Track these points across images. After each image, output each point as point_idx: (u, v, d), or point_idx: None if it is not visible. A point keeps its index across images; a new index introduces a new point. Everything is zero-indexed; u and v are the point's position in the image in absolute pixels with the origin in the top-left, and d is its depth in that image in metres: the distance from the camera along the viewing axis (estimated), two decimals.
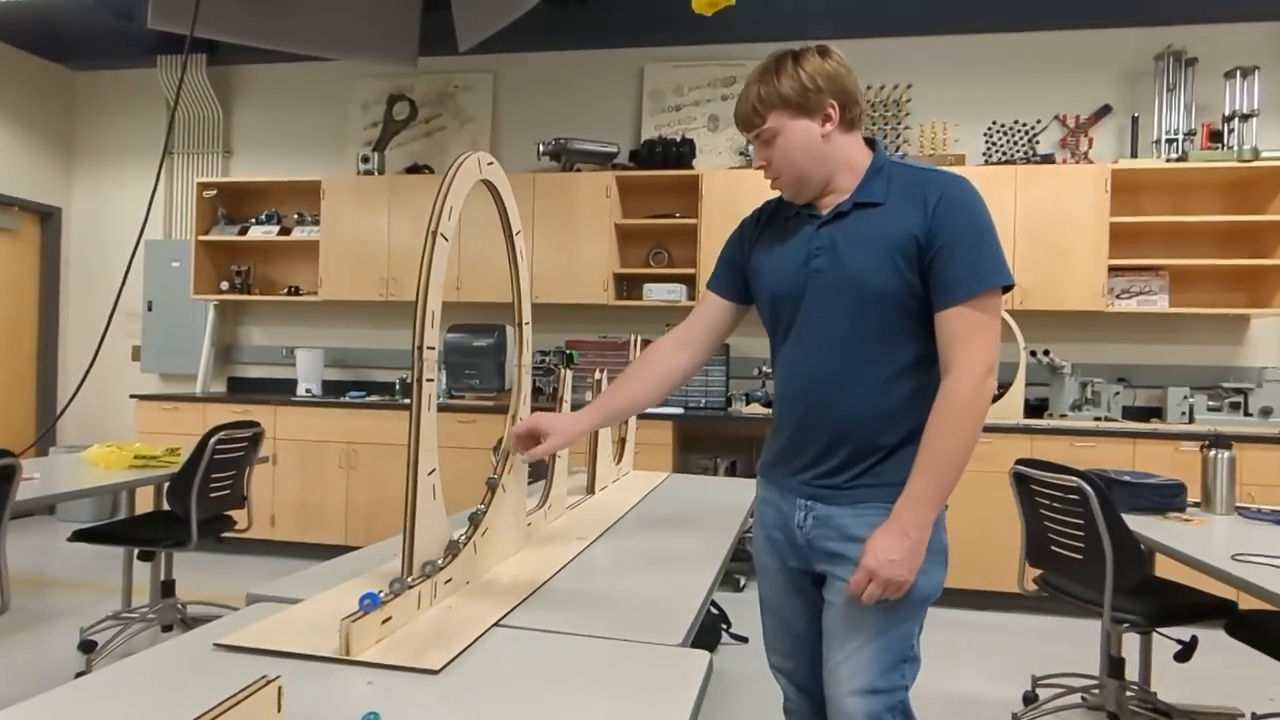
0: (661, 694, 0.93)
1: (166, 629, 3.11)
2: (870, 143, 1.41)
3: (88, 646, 2.93)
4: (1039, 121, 4.42)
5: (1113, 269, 4.07)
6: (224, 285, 5.10)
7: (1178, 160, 4.07)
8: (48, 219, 5.54)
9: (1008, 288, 1.31)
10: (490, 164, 1.42)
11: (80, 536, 2.79)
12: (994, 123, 4.44)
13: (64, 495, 2.36)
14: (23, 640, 3.08)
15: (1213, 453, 2.38)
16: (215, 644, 1.01)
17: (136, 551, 3.05)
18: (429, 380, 1.21)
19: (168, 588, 3.10)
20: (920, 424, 1.30)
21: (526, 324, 1.64)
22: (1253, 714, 2.56)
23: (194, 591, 3.61)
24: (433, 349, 1.23)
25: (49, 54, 5.38)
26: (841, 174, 1.37)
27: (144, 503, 3.43)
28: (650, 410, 4.18)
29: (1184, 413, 4.05)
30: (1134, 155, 4.22)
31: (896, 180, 1.34)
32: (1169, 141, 4.15)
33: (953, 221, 1.28)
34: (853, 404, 1.35)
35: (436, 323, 1.23)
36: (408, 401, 4.44)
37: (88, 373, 2.12)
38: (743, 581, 4.07)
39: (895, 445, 1.34)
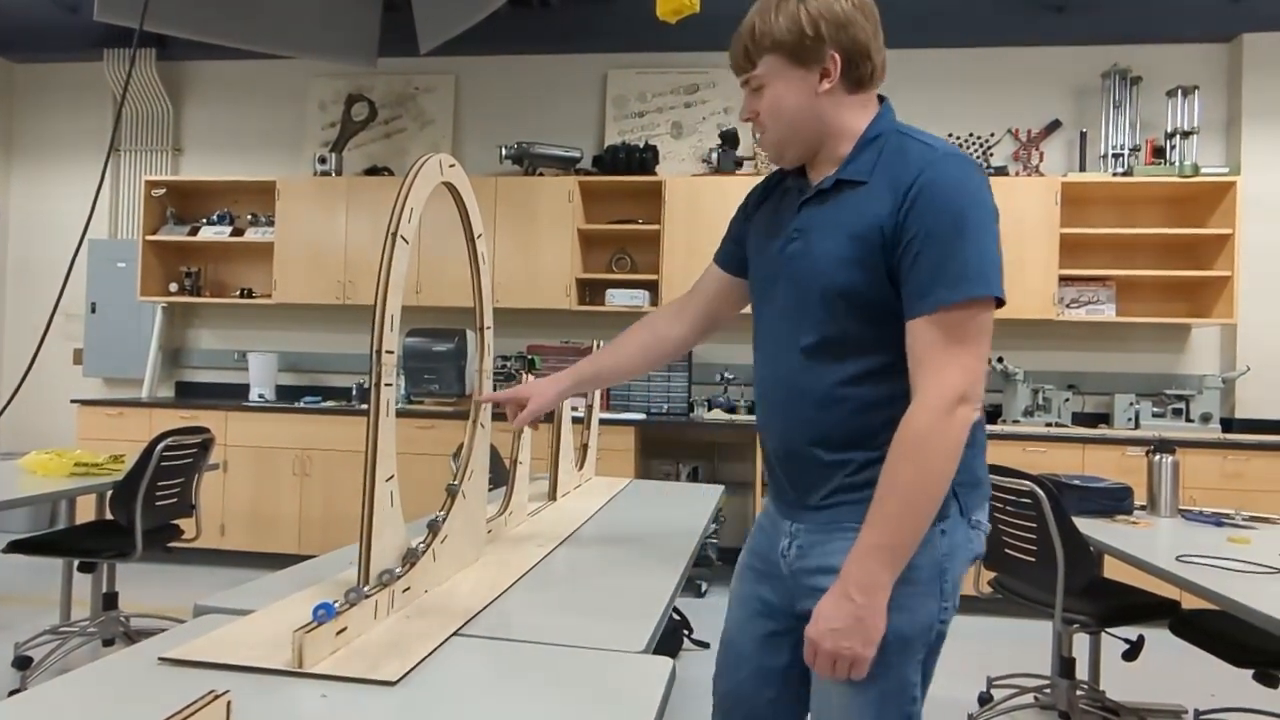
0: (624, 702, 0.91)
1: (108, 643, 2.99)
2: (882, 101, 1.20)
3: (23, 663, 2.80)
4: (993, 134, 4.54)
5: (1063, 279, 4.19)
6: (173, 287, 4.95)
7: (1123, 175, 4.22)
8: None
9: (998, 301, 1.07)
10: (452, 166, 1.40)
11: (16, 547, 2.67)
12: (950, 134, 4.54)
13: (2, 504, 2.25)
14: None
15: (1158, 457, 2.45)
16: (160, 658, 0.97)
17: (77, 563, 2.93)
18: (388, 385, 1.19)
19: (110, 600, 2.99)
20: (893, 429, 1.10)
21: (488, 329, 1.62)
22: (1195, 710, 2.65)
23: (139, 604, 3.48)
24: (391, 353, 1.20)
25: None
26: (835, 141, 1.16)
27: (85, 512, 3.30)
28: (612, 416, 4.19)
29: (1130, 419, 4.18)
30: (1083, 169, 4.36)
31: (887, 154, 1.11)
32: (1115, 156, 4.29)
33: (926, 212, 1.05)
34: (813, 410, 1.17)
35: (396, 326, 1.20)
36: (364, 407, 4.36)
37: (25, 376, 2.03)
38: (704, 587, 4.08)
39: (872, 456, 1.12)
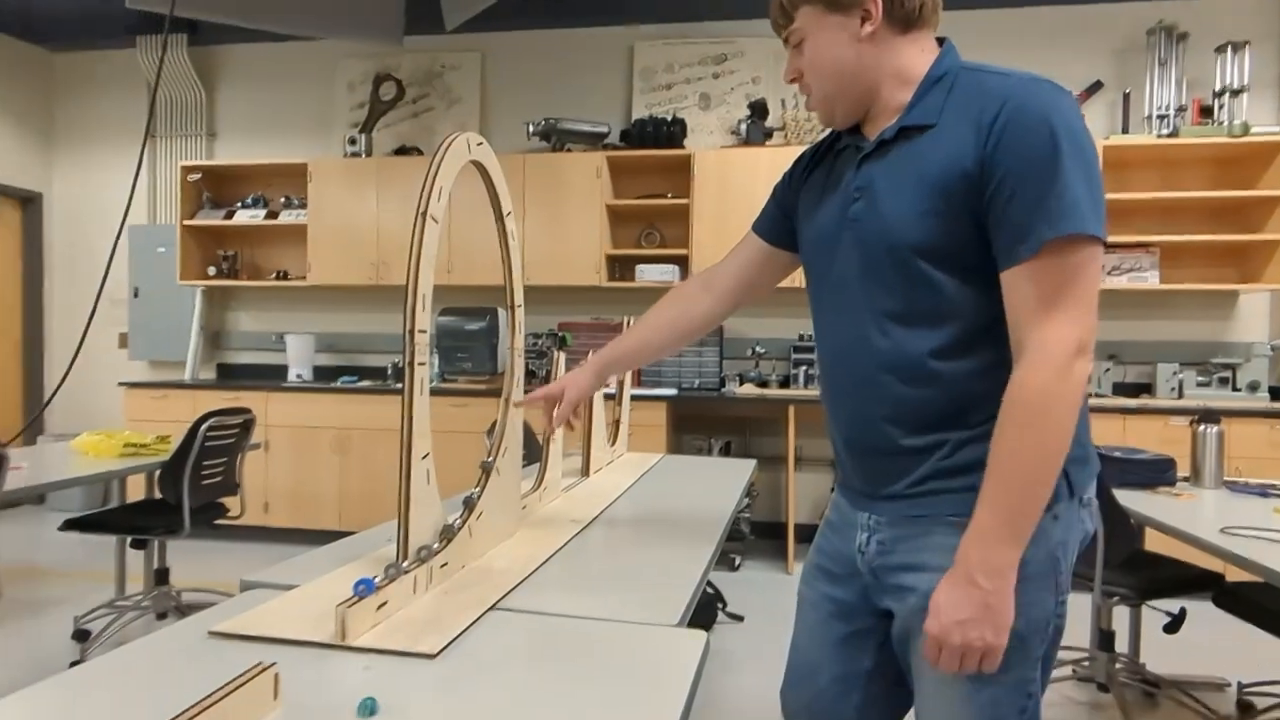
0: (659, 675, 0.93)
1: (161, 616, 3.11)
2: (941, 44, 1.09)
3: (82, 635, 2.92)
4: None
5: (1106, 246, 4.07)
6: (211, 270, 5.05)
7: (1169, 136, 4.07)
8: (29, 204, 5.46)
9: (1099, 240, 0.93)
10: (480, 144, 1.40)
11: (71, 525, 2.78)
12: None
13: (53, 484, 2.34)
14: (16, 630, 3.07)
15: (1202, 428, 2.39)
16: (210, 631, 1.00)
17: (129, 540, 3.03)
18: (421, 364, 1.20)
19: (162, 575, 3.09)
20: (996, 402, 0.97)
21: (519, 306, 1.62)
22: (1239, 683, 2.60)
23: (189, 579, 3.61)
24: (424, 332, 1.21)
25: (26, 35, 5.27)
26: (890, 88, 1.06)
27: (135, 491, 3.41)
28: (643, 392, 4.20)
29: (1173, 388, 4.08)
30: (1125, 131, 4.22)
31: (958, 92, 1.00)
32: (1160, 117, 4.14)
33: (1017, 145, 0.93)
34: (898, 388, 1.04)
35: (428, 306, 1.21)
36: (400, 386, 4.42)
37: (73, 361, 2.09)
38: (738, 561, 4.10)
39: (969, 436, 1.01)
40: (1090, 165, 0.94)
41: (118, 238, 2.14)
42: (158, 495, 2.90)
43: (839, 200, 1.11)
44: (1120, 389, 4.25)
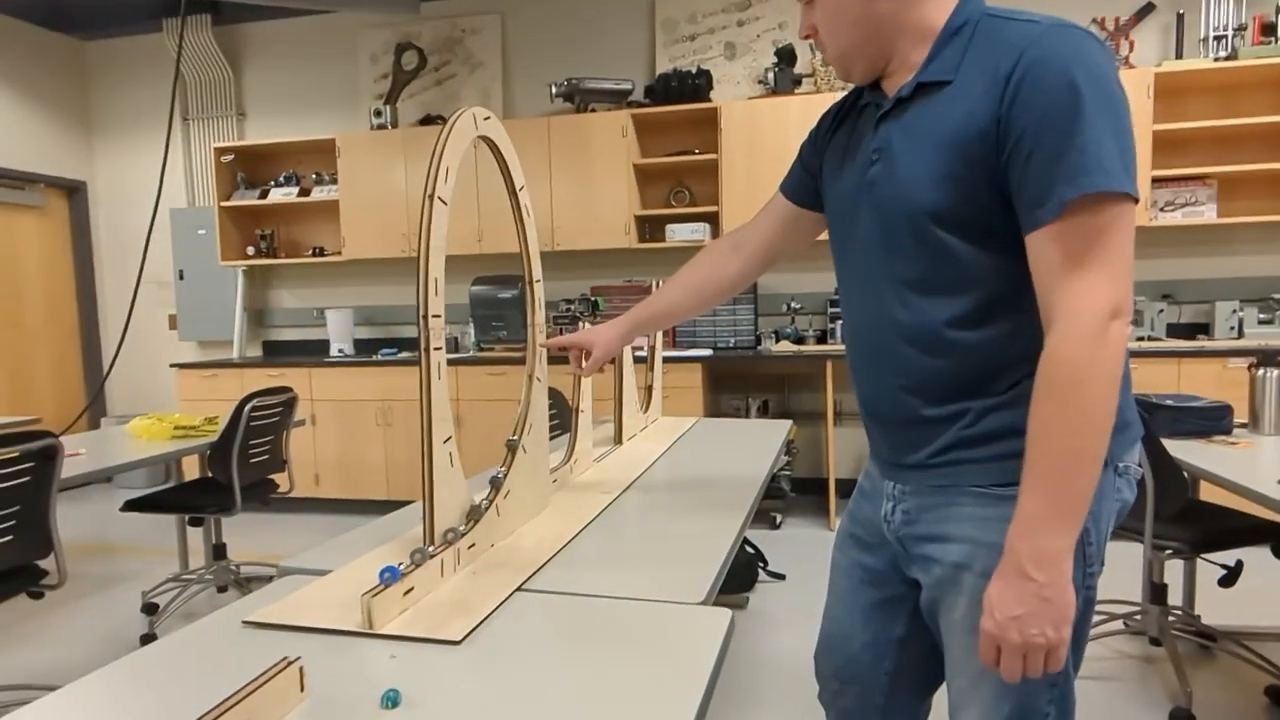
0: (683, 655, 0.92)
1: (222, 589, 3.24)
2: None
3: (150, 609, 3.07)
4: None
5: (1156, 180, 3.88)
6: (250, 250, 5.14)
7: (1226, 59, 3.82)
8: (74, 193, 5.61)
9: (1130, 197, 0.86)
10: (486, 119, 1.37)
11: (131, 506, 2.89)
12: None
13: (109, 470, 2.43)
14: (90, 605, 3.24)
15: (1260, 371, 2.28)
16: (244, 621, 1.03)
17: (187, 517, 3.16)
18: (437, 349, 1.20)
19: (219, 550, 3.22)
20: (1023, 367, 0.93)
21: (538, 282, 1.61)
22: None
23: (247, 551, 3.76)
24: (439, 316, 1.21)
25: (57, 25, 5.35)
26: (908, 42, 0.99)
27: (192, 469, 3.54)
28: (678, 354, 4.18)
29: (1233, 327, 3.90)
30: (1179, 56, 3.97)
31: (978, 44, 0.93)
32: (1217, 39, 3.88)
33: (1036, 98, 0.86)
34: (917, 356, 1.01)
35: (440, 290, 1.20)
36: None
37: (120, 346, 2.16)
38: (779, 519, 4.10)
39: (993, 404, 0.98)
40: (1119, 116, 0.86)
41: (152, 222, 2.18)
42: (210, 474, 3.00)
43: (859, 162, 1.07)
44: (1175, 330, 4.08)
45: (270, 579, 1.14)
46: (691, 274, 1.44)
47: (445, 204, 1.22)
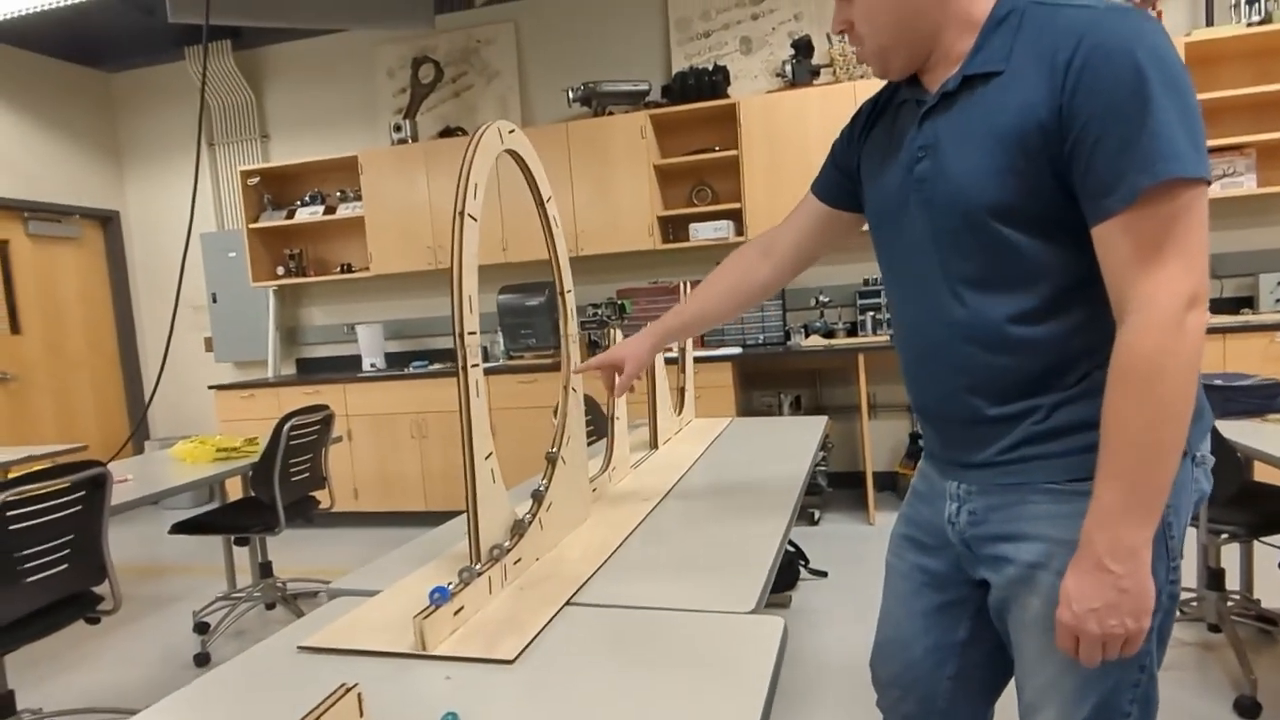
0: (739, 666, 0.91)
1: (270, 607, 3.29)
2: None
3: (202, 628, 3.12)
4: None
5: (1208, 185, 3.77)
6: (280, 270, 5.21)
7: (1261, 23, 3.71)
8: (108, 223, 5.74)
9: (1204, 181, 0.83)
10: (511, 132, 1.37)
11: (179, 528, 2.95)
12: None
13: (155, 495, 2.48)
14: (143, 627, 3.31)
15: None
16: (299, 647, 1.04)
17: (233, 537, 3.21)
18: (474, 366, 1.20)
19: (266, 569, 3.27)
20: (1093, 358, 0.92)
21: (569, 292, 1.60)
22: None
23: (292, 568, 3.81)
24: (475, 334, 1.21)
25: (83, 59, 5.48)
26: (952, 33, 0.97)
27: (235, 489, 3.60)
28: (707, 353, 4.16)
29: (1279, 299, 3.78)
30: (1210, 23, 3.86)
31: (1028, 31, 0.90)
32: (1250, 3, 3.77)
33: (1099, 86, 0.83)
34: (981, 355, 0.98)
35: (475, 307, 1.21)
36: None
37: (161, 371, 2.20)
38: (818, 515, 4.06)
39: (1064, 398, 0.96)
40: (1186, 99, 0.84)
41: (186, 248, 2.22)
42: (253, 494, 3.05)
43: (903, 160, 1.04)
44: (1219, 306, 3.97)
45: (316, 594, 1.15)
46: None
47: (475, 220, 1.22)
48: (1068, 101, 0.86)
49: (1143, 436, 0.85)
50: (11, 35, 4.93)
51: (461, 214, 1.19)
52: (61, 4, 3.70)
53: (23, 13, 3.74)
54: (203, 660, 2.89)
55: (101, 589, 2.24)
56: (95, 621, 2.25)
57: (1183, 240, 0.83)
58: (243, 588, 3.33)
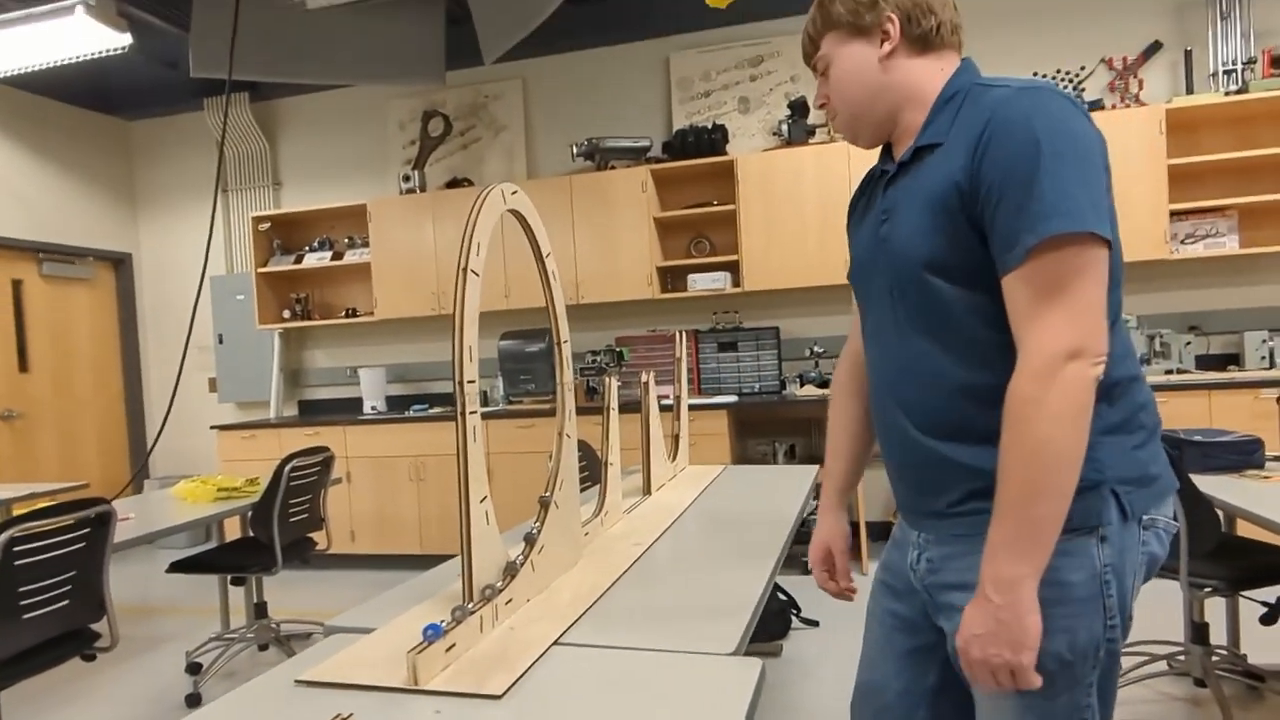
0: (715, 707, 0.96)
1: (263, 648, 3.29)
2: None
3: (194, 668, 3.12)
4: (1083, 68, 4.24)
5: (1174, 214, 3.90)
6: (286, 313, 5.31)
7: (1238, 93, 3.86)
8: (120, 265, 5.86)
9: (1097, 238, 0.91)
10: (514, 193, 1.46)
11: (177, 567, 2.97)
12: (1035, 73, 4.28)
13: (157, 533, 2.52)
14: (135, 666, 3.31)
15: None
16: (296, 680, 1.08)
17: (229, 577, 3.23)
18: (472, 413, 1.26)
19: (260, 609, 3.28)
20: None
21: (565, 342, 1.68)
22: None
23: (286, 609, 3.81)
24: (474, 382, 1.28)
25: (105, 108, 5.67)
26: (911, 110, 1.09)
27: (233, 529, 3.63)
28: (703, 401, 4.23)
29: (1264, 357, 3.86)
30: (1189, 92, 4.02)
31: (966, 110, 1.02)
32: (1227, 73, 3.94)
33: (999, 154, 0.94)
34: (934, 401, 1.06)
35: (474, 357, 1.28)
36: None
37: (169, 410, 2.26)
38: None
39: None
40: (1084, 161, 0.93)
41: (199, 290, 2.30)
42: (252, 534, 3.08)
43: (872, 223, 1.16)
44: (1205, 362, 4.04)
45: (309, 635, 1.19)
46: (844, 412, 1.39)
47: (478, 275, 1.29)
48: (976, 168, 0.96)
49: (1019, 477, 0.92)
50: (37, 84, 5.12)
51: (464, 270, 1.27)
52: (87, 58, 3.87)
53: (50, 65, 3.91)
54: (194, 701, 2.89)
55: (99, 626, 2.26)
56: (91, 659, 2.27)
57: (1067, 294, 0.91)
58: (236, 628, 3.33)
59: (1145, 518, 1.03)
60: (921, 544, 1.14)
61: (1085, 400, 0.91)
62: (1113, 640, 1.00)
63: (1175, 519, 1.09)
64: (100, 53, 3.82)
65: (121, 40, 3.68)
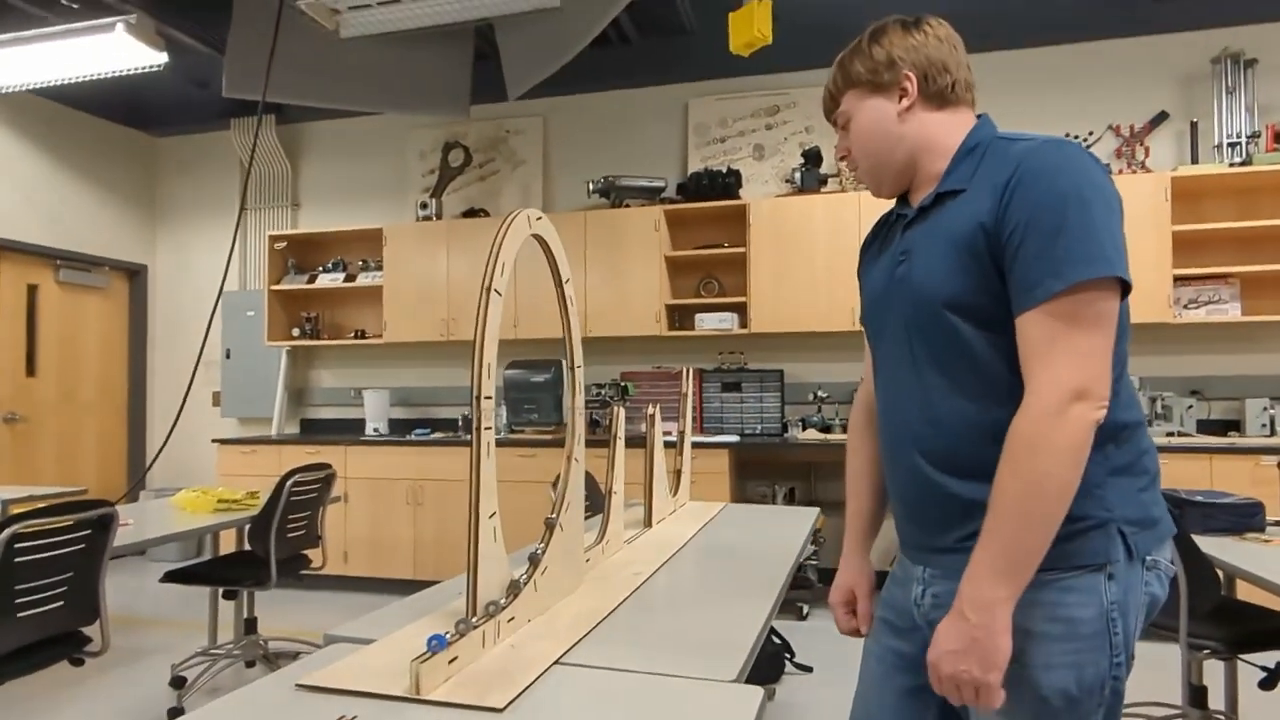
0: None
1: (250, 664, 3.26)
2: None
3: (178, 682, 3.08)
4: (1091, 133, 4.34)
5: (1178, 279, 3.95)
6: (295, 331, 5.35)
7: (1241, 164, 3.95)
8: (135, 276, 5.93)
9: (1121, 283, 0.97)
10: (539, 219, 1.50)
11: (171, 577, 2.96)
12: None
13: (155, 540, 2.52)
14: (118, 678, 3.27)
15: None
16: (297, 684, 1.09)
17: (221, 590, 3.21)
18: (487, 428, 1.29)
19: (250, 625, 3.25)
20: None
21: (579, 368, 1.71)
22: None
23: (275, 628, 3.77)
24: (490, 398, 1.30)
25: (133, 123, 5.79)
26: (928, 158, 1.15)
27: (227, 544, 3.61)
28: (705, 439, 4.24)
29: (1264, 425, 3.88)
30: (1194, 161, 4.11)
31: (988, 160, 1.07)
32: (1231, 145, 4.02)
33: (1026, 200, 0.99)
34: (942, 438, 1.09)
35: (493, 374, 1.30)
36: (469, 438, 4.57)
37: (176, 420, 2.28)
38: (806, 610, 4.03)
39: None
40: (1109, 211, 0.99)
41: (216, 305, 2.34)
42: (247, 548, 3.07)
43: (888, 263, 1.20)
44: (1205, 426, 4.06)
45: (297, 655, 1.19)
46: (861, 454, 1.41)
47: (500, 295, 1.33)
48: (1003, 212, 1.02)
49: (1014, 506, 0.96)
50: (69, 96, 5.25)
51: (489, 290, 1.30)
52: (122, 74, 3.98)
53: (86, 79, 4.01)
54: (176, 714, 2.85)
55: (91, 630, 2.25)
56: (79, 663, 2.25)
57: (1079, 338, 0.96)
58: (223, 643, 3.30)
59: (1148, 558, 1.06)
60: (926, 579, 1.16)
61: (1086, 440, 0.96)
62: (1118, 678, 1.02)
63: (1173, 563, 1.12)
64: (136, 70, 3.92)
65: (158, 58, 3.78)
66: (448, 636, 1.13)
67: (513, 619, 1.32)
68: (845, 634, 1.41)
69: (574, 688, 1.09)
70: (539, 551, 1.45)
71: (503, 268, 1.34)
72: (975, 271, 1.04)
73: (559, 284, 1.66)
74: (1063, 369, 0.96)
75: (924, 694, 1.20)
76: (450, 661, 1.12)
